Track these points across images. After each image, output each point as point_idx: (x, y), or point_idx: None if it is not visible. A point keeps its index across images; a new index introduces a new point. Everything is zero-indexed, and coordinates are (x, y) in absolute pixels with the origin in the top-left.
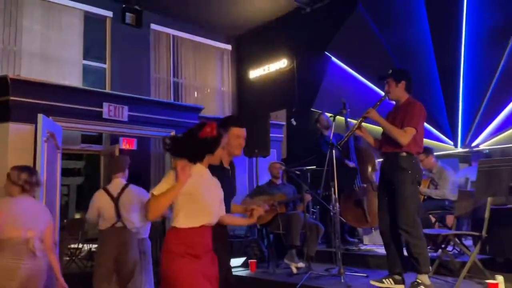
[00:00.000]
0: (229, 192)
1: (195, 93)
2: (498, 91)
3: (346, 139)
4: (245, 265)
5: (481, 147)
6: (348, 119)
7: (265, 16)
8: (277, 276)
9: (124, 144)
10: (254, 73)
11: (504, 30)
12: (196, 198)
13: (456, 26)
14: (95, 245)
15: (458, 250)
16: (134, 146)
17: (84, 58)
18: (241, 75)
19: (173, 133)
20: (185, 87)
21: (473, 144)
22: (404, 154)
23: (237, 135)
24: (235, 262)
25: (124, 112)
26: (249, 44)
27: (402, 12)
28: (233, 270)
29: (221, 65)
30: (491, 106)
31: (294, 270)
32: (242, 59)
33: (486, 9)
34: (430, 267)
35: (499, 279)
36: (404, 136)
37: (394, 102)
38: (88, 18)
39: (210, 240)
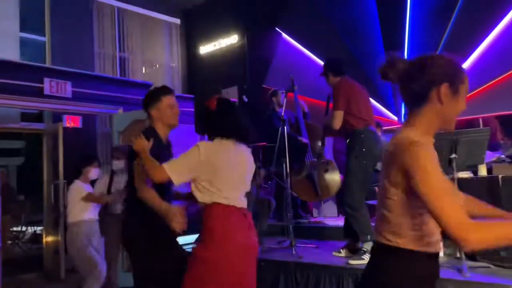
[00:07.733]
0: None
1: (143, 68)
2: None
3: None
4: None
5: None
6: (298, 96)
7: None
8: None
9: (68, 122)
10: (205, 49)
11: (446, 9)
12: None
13: (401, 3)
14: (40, 228)
15: None
16: (79, 124)
17: (21, 31)
18: (191, 50)
19: (121, 110)
20: (132, 62)
21: None
22: (353, 130)
23: (169, 104)
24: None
25: (67, 88)
26: (199, 18)
27: None
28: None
29: (169, 40)
30: None
31: None
32: (192, 34)
33: None
34: (369, 236)
35: None
36: (332, 121)
37: None
38: None
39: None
